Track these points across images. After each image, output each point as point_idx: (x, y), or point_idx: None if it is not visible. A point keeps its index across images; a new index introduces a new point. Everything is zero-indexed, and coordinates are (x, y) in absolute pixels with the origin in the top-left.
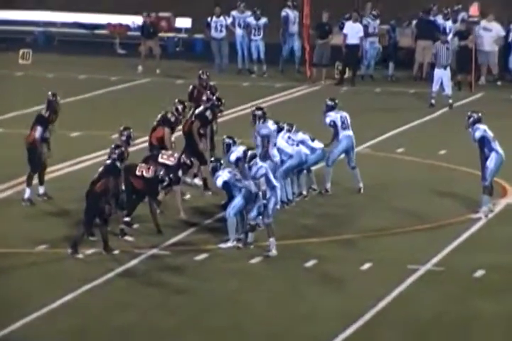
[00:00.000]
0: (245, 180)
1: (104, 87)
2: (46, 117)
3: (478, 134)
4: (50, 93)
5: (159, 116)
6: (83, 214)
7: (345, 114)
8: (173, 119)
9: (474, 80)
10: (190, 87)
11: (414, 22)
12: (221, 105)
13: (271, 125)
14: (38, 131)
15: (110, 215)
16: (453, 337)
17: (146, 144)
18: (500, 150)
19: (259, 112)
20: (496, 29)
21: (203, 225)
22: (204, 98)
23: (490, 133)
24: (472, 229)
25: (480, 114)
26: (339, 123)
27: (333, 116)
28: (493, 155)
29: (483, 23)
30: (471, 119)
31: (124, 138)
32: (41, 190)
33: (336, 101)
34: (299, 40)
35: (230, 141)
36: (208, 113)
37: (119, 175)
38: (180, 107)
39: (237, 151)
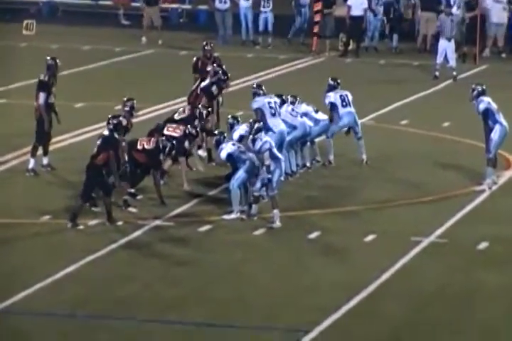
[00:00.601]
0: (249, 152)
1: (108, 58)
2: (46, 81)
3: (482, 106)
4: (48, 57)
5: None
6: (83, 186)
7: (346, 92)
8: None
9: (478, 52)
10: (194, 58)
11: None
12: (227, 79)
13: (262, 98)
14: (42, 97)
15: (114, 187)
16: (456, 309)
17: (151, 115)
18: (505, 123)
19: (254, 89)
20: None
21: (206, 196)
22: (209, 69)
23: (494, 106)
24: (476, 201)
25: (484, 87)
26: (339, 102)
27: (333, 96)
28: (497, 127)
29: None
30: (475, 92)
31: (127, 108)
32: (45, 160)
33: (338, 80)
34: (309, 11)
35: (234, 121)
36: (214, 88)
37: (117, 145)
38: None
39: (240, 129)
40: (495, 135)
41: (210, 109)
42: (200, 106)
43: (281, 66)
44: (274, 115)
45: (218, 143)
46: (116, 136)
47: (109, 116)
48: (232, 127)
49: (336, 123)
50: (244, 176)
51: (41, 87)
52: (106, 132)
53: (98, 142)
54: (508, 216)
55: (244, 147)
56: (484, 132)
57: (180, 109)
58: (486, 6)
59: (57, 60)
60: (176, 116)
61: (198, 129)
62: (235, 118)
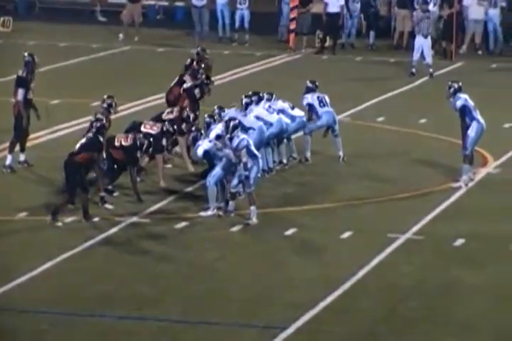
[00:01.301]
0: (226, 149)
1: (84, 55)
2: (25, 77)
3: (459, 103)
4: (26, 53)
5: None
6: (65, 184)
7: (323, 94)
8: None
9: (455, 49)
10: (188, 60)
11: None
12: (210, 83)
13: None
14: (20, 94)
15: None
16: (432, 305)
17: (127, 112)
18: (481, 120)
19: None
20: None
21: (183, 193)
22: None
23: (471, 103)
24: (452, 198)
25: (460, 83)
26: (316, 103)
27: (310, 97)
28: (474, 124)
29: None
30: (452, 89)
31: (105, 105)
32: (22, 157)
33: (317, 83)
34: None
35: (210, 120)
36: (197, 91)
37: (101, 148)
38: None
39: (216, 128)
40: (472, 132)
41: (197, 113)
42: (187, 109)
43: (258, 63)
44: (245, 115)
45: (195, 140)
46: (101, 139)
47: (92, 119)
48: (208, 126)
49: (314, 122)
50: (220, 173)
51: (19, 83)
52: (90, 134)
53: (82, 141)
54: (484, 213)
55: (222, 144)
56: (461, 129)
57: (169, 109)
58: (465, 3)
59: (35, 57)
60: (164, 116)
61: (174, 126)
62: (211, 117)
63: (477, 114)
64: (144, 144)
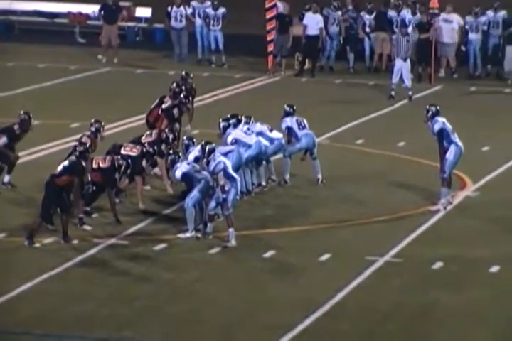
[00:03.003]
0: (204, 171)
1: (63, 76)
2: (17, 134)
3: (437, 127)
4: (22, 112)
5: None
6: (42, 204)
7: (301, 118)
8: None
9: (434, 72)
10: (173, 84)
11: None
12: (188, 103)
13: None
14: (2, 140)
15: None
16: (411, 328)
17: (106, 134)
18: (460, 143)
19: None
20: (456, 19)
21: (162, 215)
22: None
23: (449, 126)
24: (431, 221)
25: (438, 107)
26: (295, 126)
27: (289, 121)
28: (452, 147)
29: (443, 14)
30: (430, 113)
31: (93, 129)
32: (6, 178)
33: (294, 107)
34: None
35: (189, 142)
36: (176, 111)
37: (83, 172)
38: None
39: (195, 151)
40: (450, 155)
41: (176, 134)
42: (166, 130)
43: (237, 85)
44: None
45: (173, 163)
46: (83, 163)
47: (76, 143)
48: (187, 148)
49: (294, 145)
50: (198, 196)
51: (8, 134)
52: (73, 158)
53: (64, 164)
54: (463, 236)
55: (200, 166)
56: (439, 152)
57: (148, 132)
58: (438, 27)
59: (31, 115)
60: (143, 139)
61: (154, 148)
62: (190, 139)
63: (455, 138)
64: (121, 166)
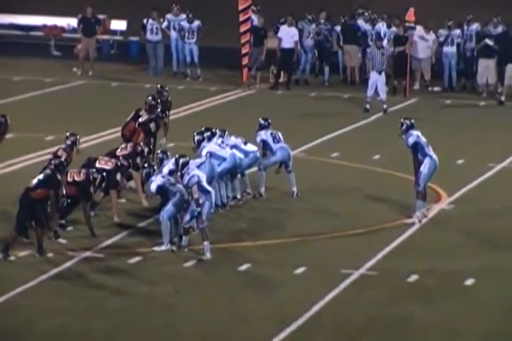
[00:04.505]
0: (179, 184)
1: (38, 89)
2: None
3: (411, 140)
4: None
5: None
6: (16, 218)
7: (276, 131)
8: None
9: (409, 86)
10: (149, 97)
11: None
12: (165, 117)
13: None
14: None
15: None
16: None
17: (81, 147)
18: (434, 156)
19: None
20: (432, 38)
21: (137, 228)
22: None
23: (423, 139)
24: (406, 234)
25: (412, 120)
26: (270, 140)
27: (264, 134)
28: (426, 160)
29: (420, 31)
30: (404, 126)
31: (69, 142)
32: None
33: (269, 120)
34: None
35: (163, 156)
36: (152, 125)
37: (59, 185)
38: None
39: (169, 164)
40: (424, 168)
41: (151, 147)
42: (141, 143)
43: (212, 98)
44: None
45: (148, 176)
46: (58, 176)
47: (51, 156)
48: (161, 162)
49: (269, 158)
50: (173, 209)
51: None
52: (48, 171)
53: (40, 177)
54: (438, 249)
55: (175, 179)
56: (414, 165)
57: (123, 145)
58: (413, 41)
59: (8, 118)
60: (118, 152)
61: (143, 162)
62: (164, 152)
63: (430, 150)
64: (96, 179)
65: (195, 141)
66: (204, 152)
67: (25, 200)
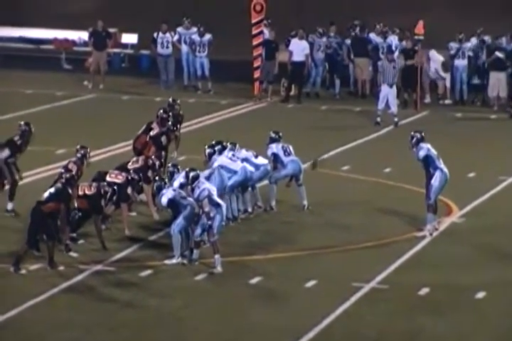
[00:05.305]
0: (190, 198)
1: (49, 102)
2: (18, 145)
3: (422, 153)
4: (22, 122)
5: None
6: (28, 231)
7: (287, 144)
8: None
9: (419, 99)
10: (161, 111)
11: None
12: (176, 130)
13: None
14: (5, 153)
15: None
16: None
17: (91, 160)
18: (445, 169)
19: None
20: (439, 59)
21: (148, 241)
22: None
23: (434, 152)
24: (417, 247)
25: (423, 133)
26: (281, 153)
27: (275, 147)
28: (437, 173)
29: (433, 52)
30: (415, 139)
31: (79, 155)
32: (10, 205)
33: (280, 134)
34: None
35: (174, 169)
36: (164, 138)
37: (70, 199)
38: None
39: (179, 178)
40: (435, 181)
41: (162, 160)
42: (153, 156)
43: (223, 111)
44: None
45: (159, 189)
46: (69, 190)
47: (62, 170)
48: (172, 175)
49: (280, 171)
50: (184, 222)
51: (10, 146)
52: (59, 185)
53: (51, 191)
54: (449, 262)
55: (185, 193)
56: (425, 178)
57: (134, 158)
58: (428, 56)
59: (31, 126)
60: (130, 165)
61: (154, 175)
62: (175, 166)
63: (440, 163)
64: (107, 193)
65: (207, 154)
66: (215, 165)
67: (36, 214)
